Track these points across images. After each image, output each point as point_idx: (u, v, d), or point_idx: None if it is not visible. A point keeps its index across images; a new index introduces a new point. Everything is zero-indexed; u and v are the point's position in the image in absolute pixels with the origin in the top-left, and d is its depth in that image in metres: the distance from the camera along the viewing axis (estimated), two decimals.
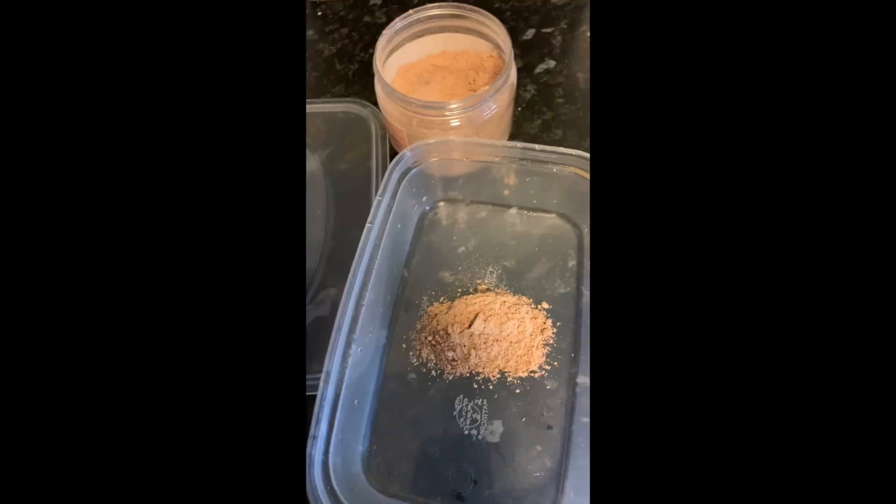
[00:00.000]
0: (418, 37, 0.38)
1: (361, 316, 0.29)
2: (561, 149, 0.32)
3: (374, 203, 0.31)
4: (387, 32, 0.35)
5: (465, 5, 0.36)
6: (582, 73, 0.44)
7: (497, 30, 0.35)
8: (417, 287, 0.36)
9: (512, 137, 0.41)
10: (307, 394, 0.29)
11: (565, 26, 0.47)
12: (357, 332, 0.29)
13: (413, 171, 0.34)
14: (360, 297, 0.30)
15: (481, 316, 0.32)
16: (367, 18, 0.49)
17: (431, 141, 0.32)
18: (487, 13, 0.35)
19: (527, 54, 0.46)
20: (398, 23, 0.36)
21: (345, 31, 0.49)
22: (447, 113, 0.33)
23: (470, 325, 0.32)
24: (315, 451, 0.26)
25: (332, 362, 0.27)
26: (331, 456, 0.26)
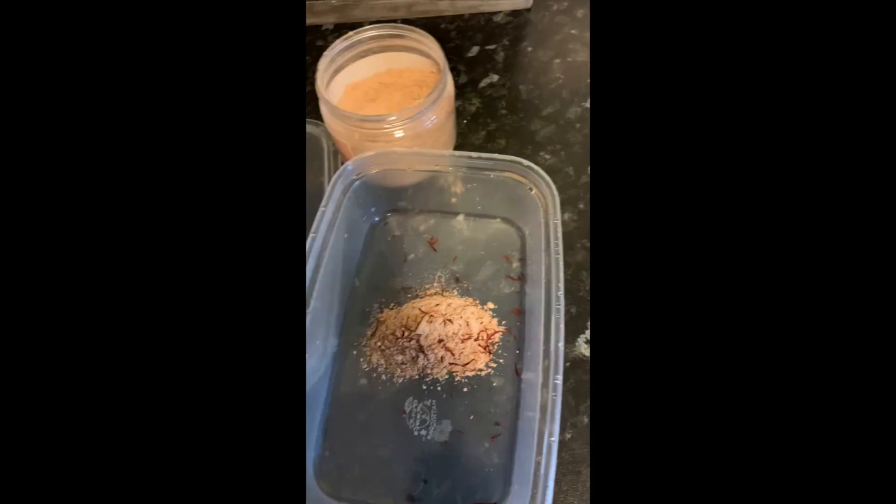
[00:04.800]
0: (363, 56, 0.40)
1: (309, 324, 0.30)
2: (496, 155, 0.34)
3: (318, 214, 0.32)
4: (328, 53, 0.37)
5: (403, 25, 0.38)
6: (524, 86, 0.46)
7: (431, 45, 0.37)
8: (369, 295, 0.37)
9: (458, 148, 0.43)
10: None
11: (507, 43, 0.49)
12: (306, 341, 0.30)
13: (357, 182, 0.35)
14: (307, 305, 0.30)
15: (426, 318, 0.33)
16: (319, 43, 0.51)
17: (371, 153, 0.34)
18: (422, 31, 0.37)
19: (472, 70, 0.48)
20: (339, 44, 0.38)
21: None
22: (386, 126, 0.34)
23: (416, 328, 0.33)
24: None
25: None
26: None
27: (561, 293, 0.29)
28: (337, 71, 0.39)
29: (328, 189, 0.33)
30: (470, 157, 0.34)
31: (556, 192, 0.32)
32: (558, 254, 0.30)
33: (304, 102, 0.46)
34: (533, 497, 0.25)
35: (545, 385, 0.27)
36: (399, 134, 0.36)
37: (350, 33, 0.38)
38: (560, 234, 0.30)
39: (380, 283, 0.37)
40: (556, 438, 0.25)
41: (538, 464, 0.25)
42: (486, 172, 0.35)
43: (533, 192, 0.34)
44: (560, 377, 0.26)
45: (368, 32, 0.38)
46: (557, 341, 0.27)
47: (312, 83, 0.36)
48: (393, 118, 0.34)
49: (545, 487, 0.25)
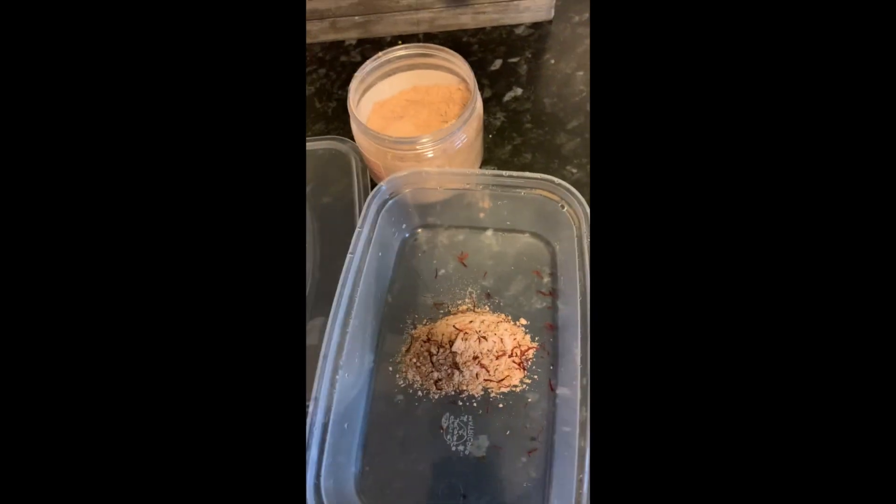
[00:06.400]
0: (389, 75, 0.41)
1: (347, 342, 0.31)
2: (527, 174, 0.34)
3: (355, 235, 0.33)
4: (358, 74, 0.38)
5: (430, 45, 0.38)
6: (548, 99, 0.47)
7: (461, 64, 0.37)
8: (401, 311, 0.37)
9: (484, 163, 0.44)
10: None
11: (530, 55, 0.50)
12: (343, 358, 0.31)
13: (390, 201, 0.36)
14: (345, 324, 0.31)
15: (461, 335, 0.33)
16: (343, 58, 0.52)
17: (404, 173, 0.35)
18: (451, 51, 0.38)
19: (495, 84, 0.48)
20: (369, 64, 0.38)
21: (322, 71, 0.51)
22: (418, 147, 0.35)
23: (451, 345, 0.33)
24: (307, 476, 0.27)
25: (321, 388, 0.29)
26: (322, 479, 0.28)
27: None
28: (366, 90, 0.40)
29: (364, 210, 0.34)
30: (501, 176, 0.35)
31: (588, 210, 0.32)
32: None
33: (304, 112, 0.47)
34: None
35: (584, 402, 0.27)
36: (429, 154, 0.36)
37: (379, 53, 0.39)
38: None
39: (412, 298, 0.38)
40: None
41: (580, 481, 0.26)
42: (517, 190, 0.35)
43: (565, 209, 0.34)
44: None
45: (398, 52, 0.39)
46: None
47: (339, 100, 0.37)
48: (426, 140, 0.34)
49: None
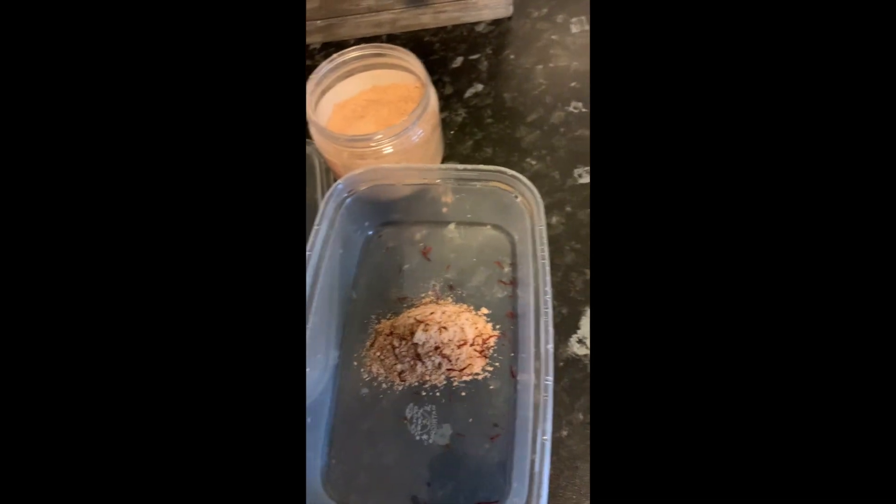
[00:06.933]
0: (347, 76, 0.42)
1: (308, 339, 0.32)
2: (481, 166, 0.35)
3: (312, 232, 0.34)
4: (314, 76, 0.38)
5: (384, 44, 0.39)
6: (508, 94, 0.48)
7: (413, 62, 0.38)
8: (366, 307, 0.38)
9: (446, 159, 0.44)
10: None
11: (490, 52, 0.50)
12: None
13: (349, 199, 0.37)
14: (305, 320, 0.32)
15: (422, 327, 0.34)
16: (308, 62, 0.53)
17: (360, 170, 0.35)
18: (403, 49, 0.38)
19: (457, 81, 0.49)
20: (324, 66, 0.39)
21: None
22: (373, 144, 0.35)
23: (412, 338, 0.34)
24: None
25: None
26: None
27: (549, 297, 0.30)
28: (324, 92, 0.41)
29: (321, 207, 0.35)
30: (457, 170, 0.36)
31: (540, 200, 0.33)
32: (544, 258, 0.31)
33: (304, 119, 0.47)
34: (529, 493, 0.26)
35: (537, 386, 0.28)
36: (388, 150, 0.37)
37: (334, 55, 0.39)
38: (545, 240, 0.32)
39: (376, 294, 0.38)
40: (548, 437, 0.26)
41: (533, 462, 0.26)
42: (474, 183, 0.36)
43: (518, 199, 0.35)
44: (550, 378, 0.28)
45: (352, 53, 0.39)
46: (546, 343, 0.28)
47: None
48: (379, 136, 0.35)
49: (540, 484, 0.26)
